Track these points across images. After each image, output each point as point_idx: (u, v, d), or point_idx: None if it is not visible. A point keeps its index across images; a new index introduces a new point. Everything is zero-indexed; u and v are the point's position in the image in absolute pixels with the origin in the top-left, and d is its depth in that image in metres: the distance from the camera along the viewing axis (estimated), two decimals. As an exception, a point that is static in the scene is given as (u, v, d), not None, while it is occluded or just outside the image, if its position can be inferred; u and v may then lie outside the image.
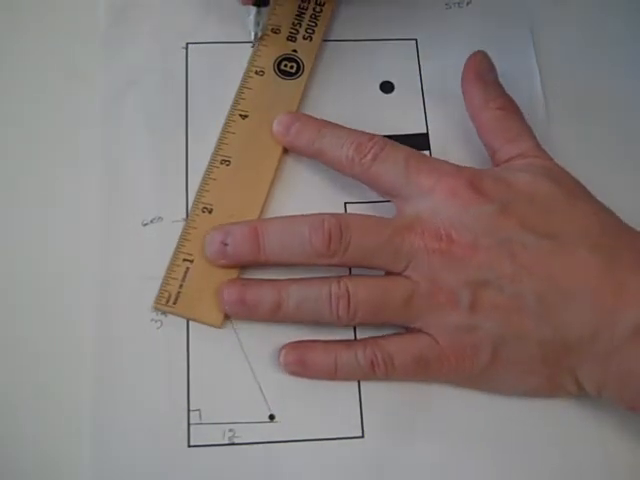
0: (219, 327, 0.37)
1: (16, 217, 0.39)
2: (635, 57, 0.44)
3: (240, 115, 0.41)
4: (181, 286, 0.37)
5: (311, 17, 0.43)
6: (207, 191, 0.39)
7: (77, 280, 0.38)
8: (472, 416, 0.36)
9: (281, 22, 0.43)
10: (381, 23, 0.44)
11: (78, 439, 0.35)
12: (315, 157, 0.40)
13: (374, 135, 0.39)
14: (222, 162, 0.40)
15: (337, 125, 0.39)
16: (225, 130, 0.40)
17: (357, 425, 0.36)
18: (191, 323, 0.37)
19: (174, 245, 0.38)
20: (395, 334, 0.36)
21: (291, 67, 0.42)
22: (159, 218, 0.39)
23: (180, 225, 0.39)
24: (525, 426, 0.36)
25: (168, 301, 0.37)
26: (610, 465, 0.36)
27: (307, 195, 0.40)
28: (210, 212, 0.38)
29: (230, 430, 0.35)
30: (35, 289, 0.37)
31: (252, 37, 0.42)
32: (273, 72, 0.42)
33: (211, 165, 0.40)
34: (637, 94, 0.43)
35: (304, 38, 0.43)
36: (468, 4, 0.45)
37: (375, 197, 0.39)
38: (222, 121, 0.41)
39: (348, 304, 0.35)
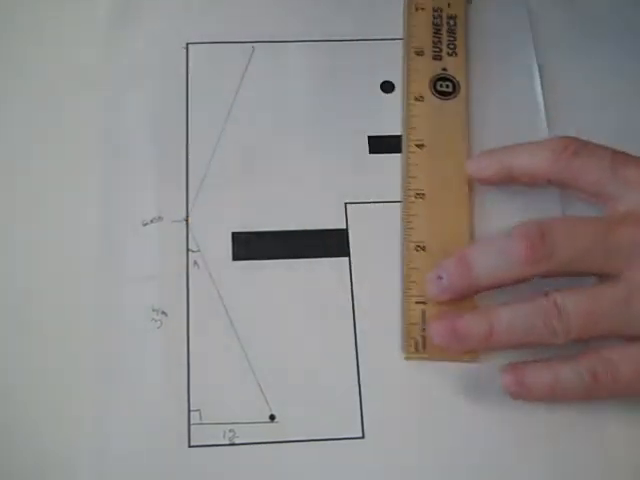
0: (475, 362, 0.36)
1: (16, 217, 0.39)
2: (636, 57, 0.44)
3: (417, 145, 0.40)
4: (423, 330, 0.37)
5: (448, 32, 0.43)
6: (413, 229, 0.38)
7: (77, 280, 0.38)
8: (472, 416, 0.36)
9: (422, 44, 0.43)
10: (381, 23, 0.44)
11: (78, 439, 0.35)
12: (507, 177, 0.38)
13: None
14: (417, 196, 0.39)
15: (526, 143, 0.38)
16: (408, 163, 0.40)
17: (357, 425, 0.36)
18: (191, 322, 0.37)
19: (174, 245, 0.38)
20: (617, 345, 0.34)
21: (447, 86, 0.42)
22: (159, 218, 0.39)
23: (180, 225, 0.39)
24: (525, 426, 0.36)
25: (417, 348, 0.36)
26: (611, 467, 0.35)
27: (307, 195, 0.40)
28: (424, 249, 0.38)
29: (230, 430, 0.35)
30: (35, 289, 0.37)
31: None
32: (431, 95, 0.41)
33: (407, 201, 0.39)
34: (638, 94, 0.43)
35: (449, 55, 0.42)
36: (468, 4, 0.45)
37: (375, 197, 0.39)
38: (222, 121, 0.41)
39: (560, 318, 0.33)
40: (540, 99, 0.42)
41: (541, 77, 0.43)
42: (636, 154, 0.40)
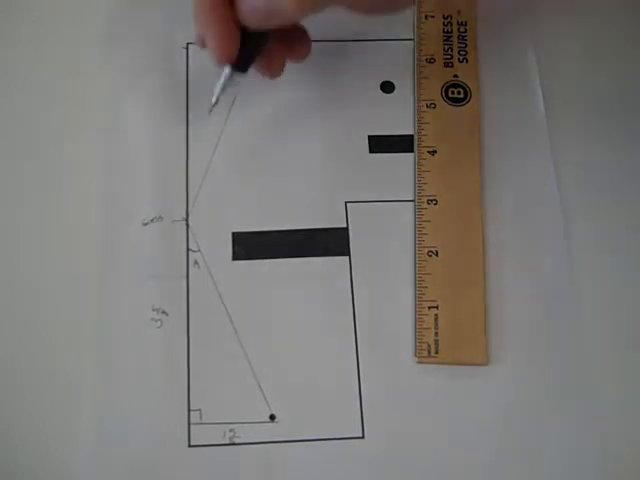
0: (486, 365, 0.37)
1: (17, 216, 0.39)
2: (636, 57, 0.44)
3: (428, 151, 0.40)
4: (436, 334, 0.37)
5: (459, 39, 0.43)
6: (425, 234, 0.39)
7: (77, 280, 0.37)
8: (472, 416, 0.36)
9: (432, 51, 0.43)
10: (381, 23, 0.44)
11: (79, 439, 0.35)
12: None
13: None
14: (429, 202, 0.39)
15: None
16: (420, 169, 0.40)
17: (357, 425, 0.36)
18: (191, 322, 0.37)
19: (174, 245, 0.38)
20: None
21: (458, 93, 0.42)
22: (159, 218, 0.39)
23: (180, 225, 0.39)
24: (525, 428, 0.36)
25: (429, 352, 0.37)
26: (609, 467, 0.35)
27: (307, 194, 0.40)
28: (436, 255, 0.38)
29: (231, 430, 0.35)
30: (35, 289, 0.37)
31: (212, 101, 0.37)
32: (443, 101, 0.41)
33: (419, 207, 0.39)
34: (638, 94, 0.43)
35: (460, 61, 0.42)
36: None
37: (376, 196, 0.39)
38: (222, 121, 0.41)
39: None
40: (540, 99, 0.42)
41: (541, 77, 0.43)
42: (636, 153, 0.40)
